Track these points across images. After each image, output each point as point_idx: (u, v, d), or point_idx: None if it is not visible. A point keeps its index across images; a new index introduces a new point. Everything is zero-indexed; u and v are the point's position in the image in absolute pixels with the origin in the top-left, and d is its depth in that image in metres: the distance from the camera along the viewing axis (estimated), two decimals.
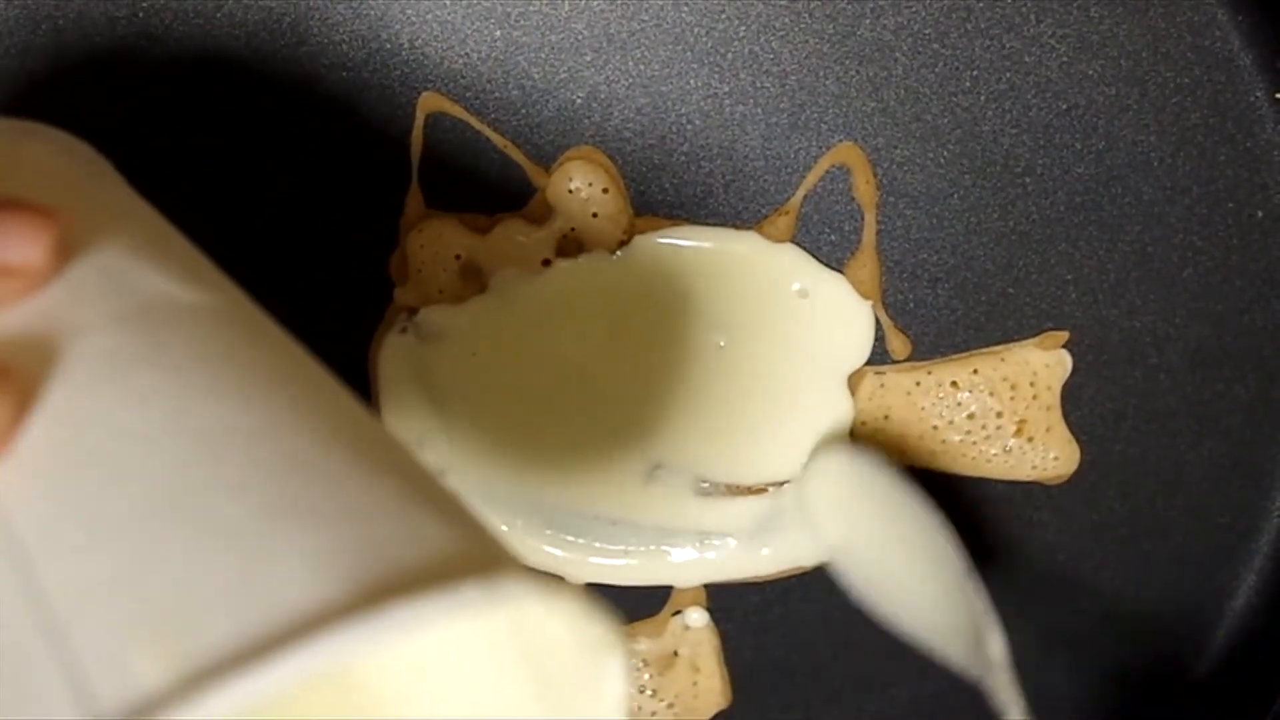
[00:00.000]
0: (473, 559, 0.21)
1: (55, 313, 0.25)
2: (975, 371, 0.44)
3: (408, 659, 0.27)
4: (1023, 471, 0.45)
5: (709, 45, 0.42)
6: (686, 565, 0.46)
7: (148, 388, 0.24)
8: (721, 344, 0.44)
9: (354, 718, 0.27)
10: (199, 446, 0.23)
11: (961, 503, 0.46)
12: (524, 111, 0.42)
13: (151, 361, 0.24)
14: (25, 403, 0.23)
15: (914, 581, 0.41)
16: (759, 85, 0.42)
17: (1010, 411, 0.45)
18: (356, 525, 0.22)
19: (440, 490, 0.25)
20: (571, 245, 0.43)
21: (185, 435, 0.23)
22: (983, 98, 0.43)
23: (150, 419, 0.23)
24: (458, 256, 0.43)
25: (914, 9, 0.42)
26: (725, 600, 0.46)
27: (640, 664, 0.46)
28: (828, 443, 0.44)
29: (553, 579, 0.22)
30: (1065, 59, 0.42)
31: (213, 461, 0.23)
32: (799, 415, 0.44)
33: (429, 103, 0.42)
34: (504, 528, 0.45)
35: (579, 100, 0.42)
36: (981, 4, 0.42)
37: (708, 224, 0.43)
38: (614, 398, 0.44)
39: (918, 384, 0.44)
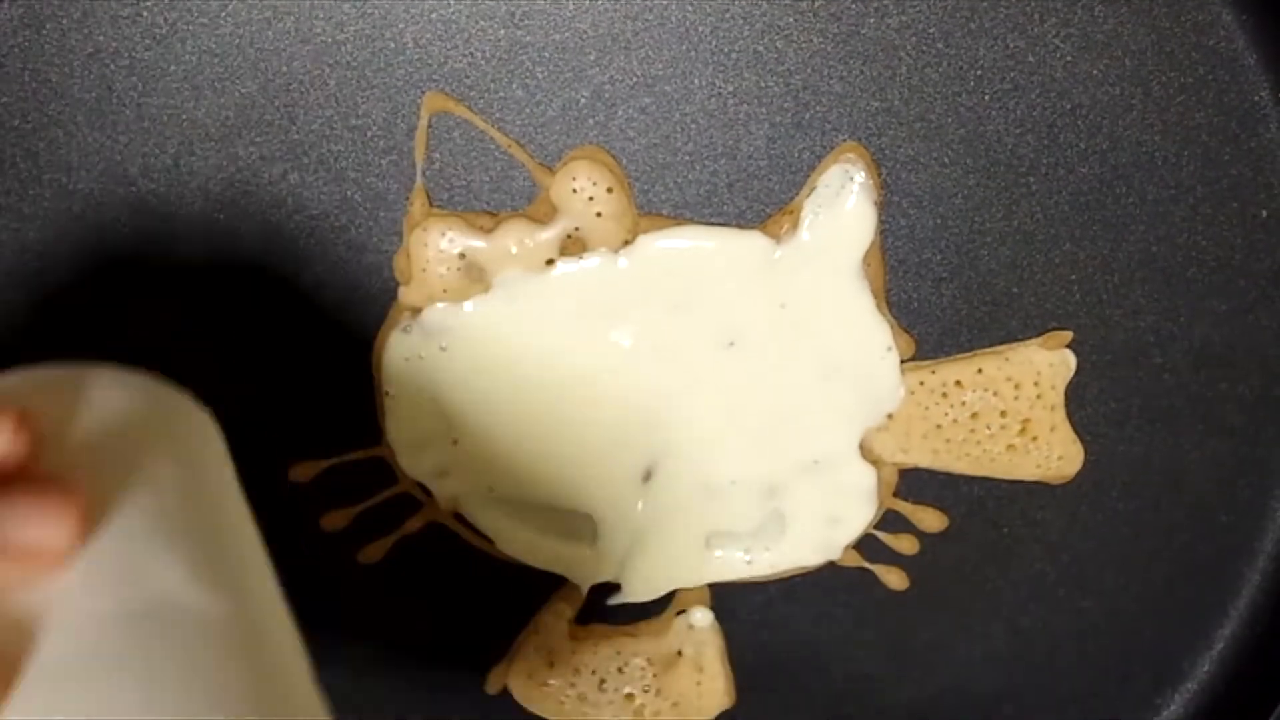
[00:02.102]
0: None
1: (60, 599, 0.25)
2: (979, 371, 0.44)
3: None
4: (1026, 471, 0.45)
5: (713, 45, 0.42)
6: (690, 565, 0.46)
7: (106, 697, 0.24)
8: (730, 342, 0.44)
9: None
10: None
11: (965, 502, 0.46)
12: (528, 111, 0.42)
13: (125, 670, 0.25)
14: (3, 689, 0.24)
15: None
16: (763, 85, 0.42)
17: (1014, 411, 0.45)
18: None
19: None
20: (575, 245, 0.43)
21: None
22: (987, 97, 0.43)
23: None
24: (461, 256, 0.43)
25: (918, 9, 0.42)
26: (729, 600, 0.46)
27: (644, 663, 0.46)
28: None
29: None
30: (1069, 59, 0.42)
31: None
32: (806, 414, 0.44)
33: (433, 102, 0.42)
34: (506, 528, 0.45)
35: (583, 100, 0.42)
36: (985, 4, 0.42)
37: (712, 224, 0.43)
38: (617, 397, 0.44)
39: (922, 383, 0.44)
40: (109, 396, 0.30)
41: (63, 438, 0.28)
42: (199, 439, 0.32)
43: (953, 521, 0.46)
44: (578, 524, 0.45)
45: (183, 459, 0.30)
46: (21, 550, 0.25)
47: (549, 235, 0.43)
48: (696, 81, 0.42)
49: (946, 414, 0.45)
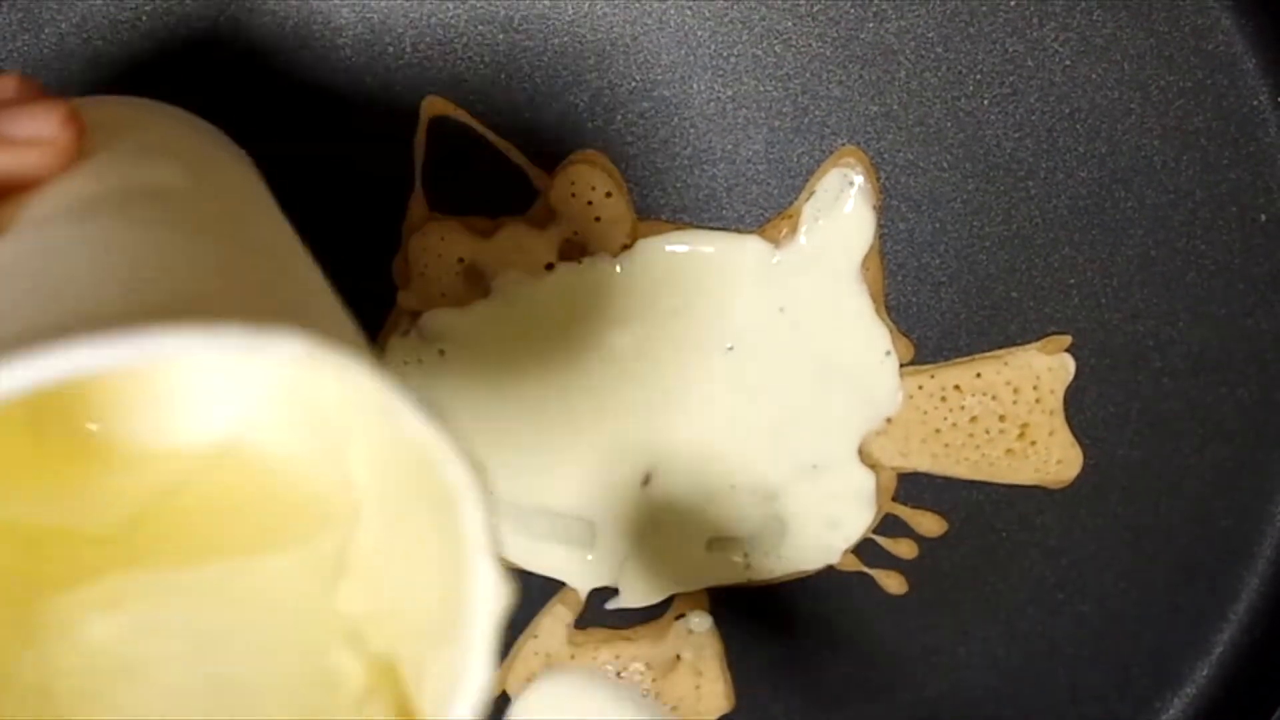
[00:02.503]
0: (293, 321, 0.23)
1: (64, 184, 0.28)
2: (978, 375, 0.44)
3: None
4: (1025, 475, 0.45)
5: (712, 49, 0.42)
6: (689, 569, 0.46)
7: (88, 236, 0.26)
8: (729, 346, 0.44)
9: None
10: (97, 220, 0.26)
11: (964, 506, 0.46)
12: (527, 115, 0.42)
13: (109, 219, 0.27)
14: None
15: None
16: (762, 89, 0.42)
17: (1013, 415, 0.45)
18: (190, 279, 0.25)
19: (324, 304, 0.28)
20: (574, 249, 0.43)
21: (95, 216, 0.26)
22: (986, 102, 0.43)
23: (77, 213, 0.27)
24: (461, 260, 0.43)
25: (917, 13, 0.42)
26: (728, 605, 0.46)
27: (643, 668, 0.46)
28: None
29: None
30: (1068, 63, 0.42)
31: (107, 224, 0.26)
32: (805, 418, 0.44)
33: (432, 106, 0.42)
34: (507, 530, 0.45)
35: (582, 104, 0.42)
36: (985, 8, 0.42)
37: (711, 228, 0.43)
38: (616, 401, 0.44)
39: (920, 387, 0.44)
40: (116, 102, 0.35)
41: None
42: (217, 140, 0.36)
43: (951, 526, 0.46)
44: (576, 528, 0.45)
45: (189, 135, 0.35)
46: (19, 142, 0.28)
47: (548, 239, 0.43)
48: (695, 86, 0.42)
49: (945, 418, 0.45)
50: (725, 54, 0.42)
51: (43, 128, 0.29)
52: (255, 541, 0.29)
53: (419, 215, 0.43)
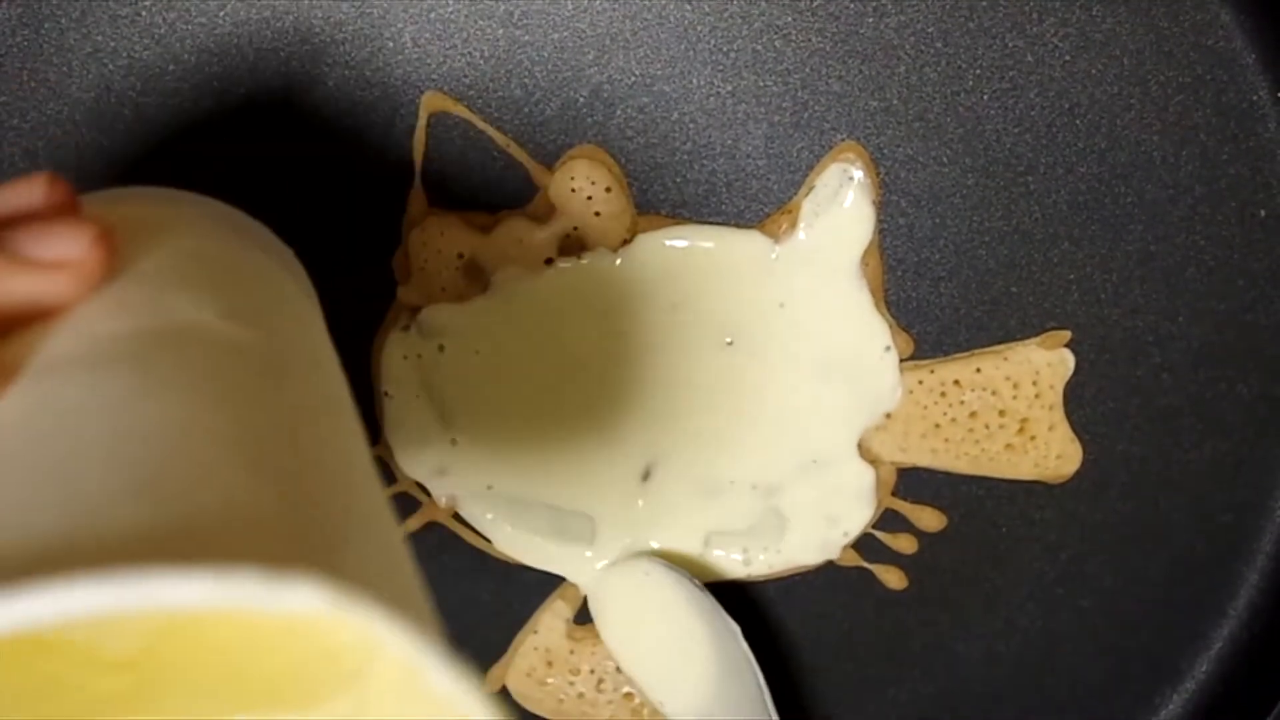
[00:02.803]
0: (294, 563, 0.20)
1: (77, 316, 0.26)
2: (978, 370, 0.44)
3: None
4: (1025, 470, 0.45)
5: (712, 44, 0.42)
6: (689, 565, 0.46)
7: (101, 385, 0.24)
8: (729, 341, 0.44)
9: None
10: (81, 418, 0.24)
11: (964, 501, 0.46)
12: (527, 110, 0.42)
13: (125, 365, 0.25)
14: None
15: (705, 698, 0.42)
16: (762, 84, 0.42)
17: (1013, 410, 0.45)
18: (176, 497, 0.22)
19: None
20: (574, 244, 0.43)
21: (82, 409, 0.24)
22: (985, 97, 0.43)
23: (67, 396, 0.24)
24: (460, 255, 0.43)
25: (916, 8, 0.42)
26: (727, 600, 0.46)
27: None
28: (628, 556, 0.44)
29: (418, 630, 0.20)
30: (1068, 58, 0.42)
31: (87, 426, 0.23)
32: (805, 414, 0.44)
33: (432, 102, 0.42)
34: (505, 527, 0.45)
35: (582, 99, 0.42)
36: (984, 3, 0.42)
37: (710, 223, 0.43)
38: (616, 396, 0.44)
39: (920, 382, 0.44)
40: (150, 196, 0.32)
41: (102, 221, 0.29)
42: (257, 240, 0.33)
43: (951, 521, 0.46)
44: (576, 523, 0.45)
45: (226, 239, 0.32)
46: (43, 266, 0.26)
47: (547, 234, 0.43)
48: (695, 81, 0.42)
49: (945, 413, 0.45)
50: (725, 49, 0.42)
51: (71, 249, 0.26)
52: (267, 695, 0.26)
53: (419, 210, 0.43)
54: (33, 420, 0.24)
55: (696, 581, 0.44)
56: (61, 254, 0.26)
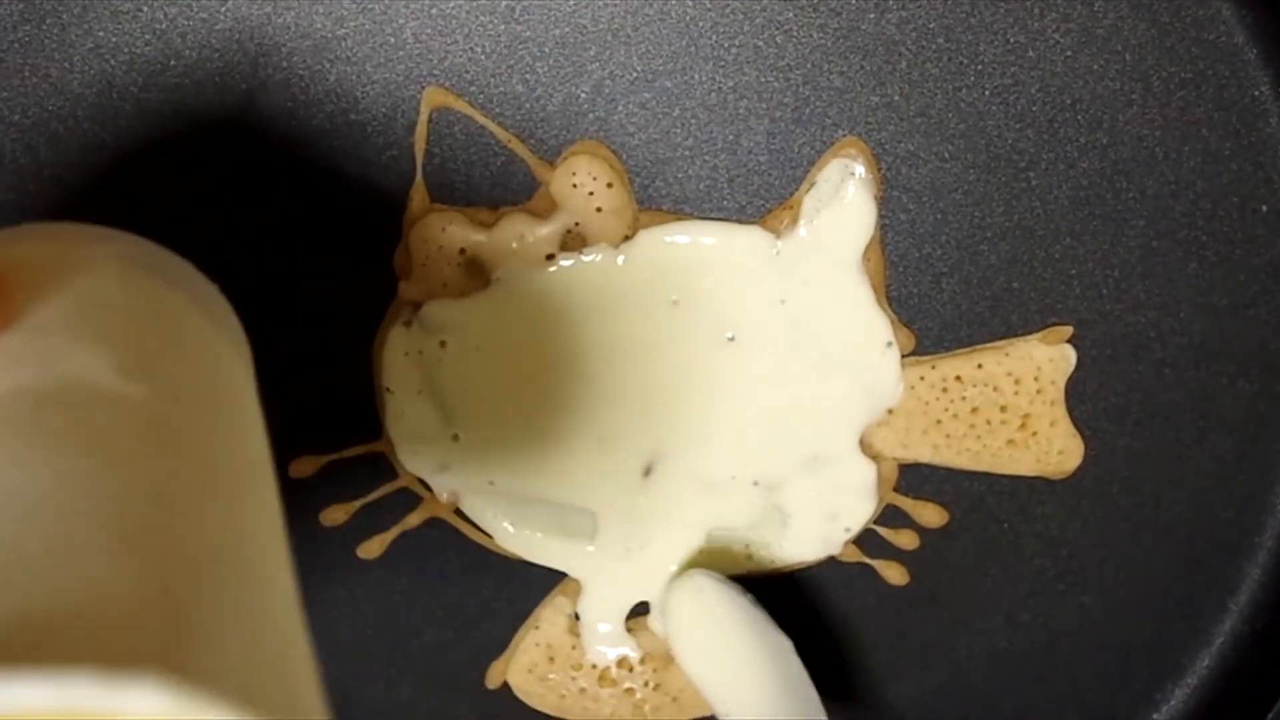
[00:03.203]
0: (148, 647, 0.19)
1: None
2: (979, 366, 0.44)
3: None
4: (1026, 466, 0.45)
5: (713, 39, 0.42)
6: (689, 561, 0.46)
7: None
8: (730, 337, 0.44)
9: None
10: None
11: (965, 497, 0.46)
12: (528, 106, 0.42)
13: (12, 431, 0.24)
14: None
15: (762, 705, 0.42)
16: (763, 79, 0.42)
17: (1014, 406, 0.45)
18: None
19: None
20: (575, 240, 0.43)
21: None
22: (987, 92, 0.43)
23: None
24: (462, 251, 0.43)
25: (918, 3, 0.42)
26: None
27: (643, 659, 0.46)
28: (686, 570, 0.45)
29: None
30: (1069, 53, 0.42)
31: None
32: (806, 409, 0.44)
33: (433, 97, 0.42)
34: (506, 523, 0.45)
35: (583, 94, 0.42)
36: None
37: (712, 218, 0.43)
38: (617, 392, 0.44)
39: (922, 378, 0.44)
40: (53, 235, 0.30)
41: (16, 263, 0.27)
42: (174, 280, 0.31)
43: (953, 517, 0.46)
44: (578, 519, 0.45)
45: (135, 283, 0.29)
46: None
47: (549, 230, 0.43)
48: (697, 76, 0.42)
49: (946, 409, 0.45)
50: (726, 44, 0.42)
51: None
52: None
53: (420, 206, 0.43)
54: None
55: (750, 596, 0.44)
56: None
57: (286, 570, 0.27)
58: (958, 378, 0.44)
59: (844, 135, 0.43)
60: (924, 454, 0.45)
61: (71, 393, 0.25)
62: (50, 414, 0.24)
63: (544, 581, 0.46)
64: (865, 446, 0.45)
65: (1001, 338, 0.44)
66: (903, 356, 0.44)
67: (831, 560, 0.46)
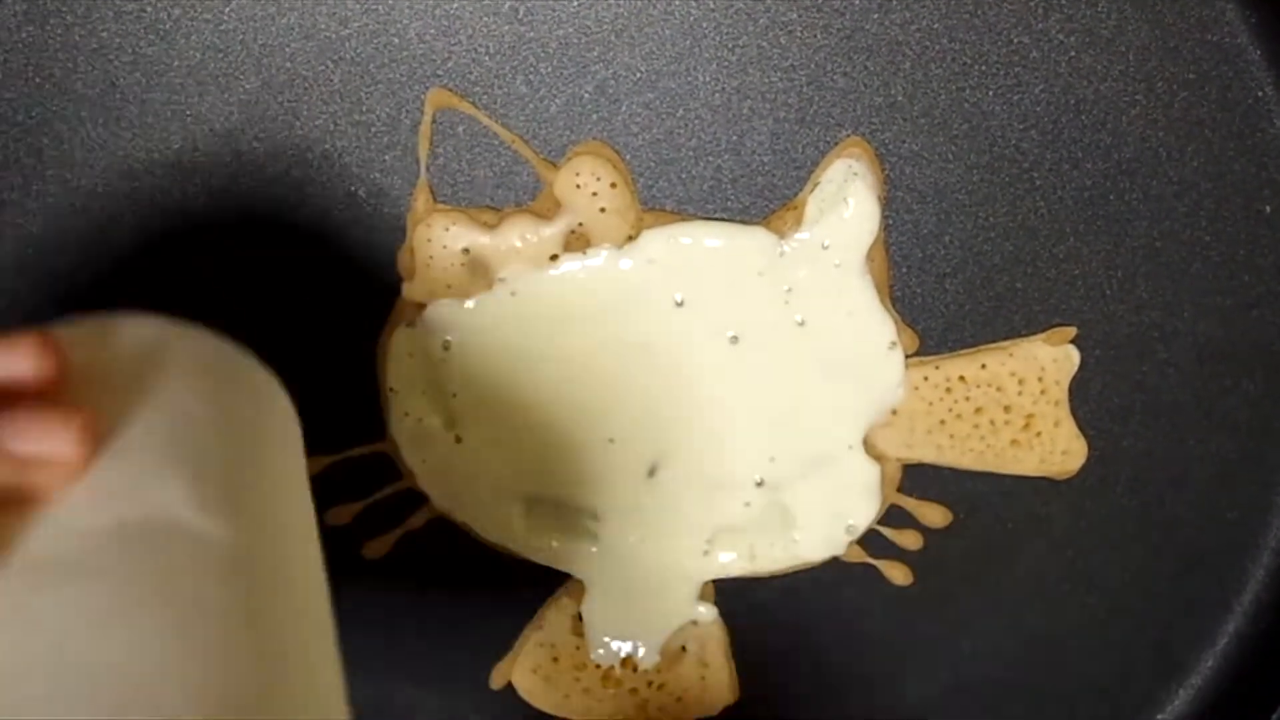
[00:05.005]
0: None
1: (59, 510, 0.25)
2: (983, 366, 0.44)
3: None
4: (1030, 466, 0.45)
5: (717, 40, 0.42)
6: (693, 560, 0.46)
7: (75, 598, 0.24)
8: (734, 337, 0.44)
9: None
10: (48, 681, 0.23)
11: (969, 497, 0.46)
12: (532, 107, 0.42)
13: (103, 575, 0.25)
14: None
15: None
16: (766, 80, 0.42)
17: (1018, 406, 0.45)
18: None
19: None
20: (579, 240, 0.43)
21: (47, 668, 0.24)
22: (990, 93, 0.43)
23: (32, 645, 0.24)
24: (466, 251, 0.43)
25: (921, 4, 0.42)
26: (733, 596, 0.46)
27: (648, 659, 0.46)
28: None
29: None
30: (1073, 54, 0.42)
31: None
32: (810, 410, 0.44)
33: (437, 98, 0.42)
34: (510, 524, 0.45)
35: (587, 95, 0.42)
36: (989, 0, 0.42)
37: (716, 219, 0.43)
38: (621, 392, 0.44)
39: (925, 379, 0.44)
40: (138, 336, 0.30)
41: (89, 372, 0.28)
42: (244, 387, 0.32)
43: (956, 517, 0.46)
44: (582, 519, 0.45)
45: (211, 393, 0.30)
46: (25, 460, 0.25)
47: (553, 231, 0.43)
48: (700, 77, 0.42)
49: (950, 409, 0.45)
50: (730, 45, 0.42)
51: (56, 446, 0.25)
52: None
53: (424, 207, 0.43)
54: (11, 628, 0.24)
55: None
56: (46, 451, 0.25)
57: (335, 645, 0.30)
58: (961, 378, 0.44)
59: (847, 135, 0.43)
60: (928, 454, 0.45)
61: (156, 535, 0.26)
62: (140, 560, 0.25)
63: (548, 582, 0.46)
64: (869, 447, 0.45)
65: (1005, 338, 0.44)
66: (906, 357, 0.44)
67: (835, 560, 0.46)
